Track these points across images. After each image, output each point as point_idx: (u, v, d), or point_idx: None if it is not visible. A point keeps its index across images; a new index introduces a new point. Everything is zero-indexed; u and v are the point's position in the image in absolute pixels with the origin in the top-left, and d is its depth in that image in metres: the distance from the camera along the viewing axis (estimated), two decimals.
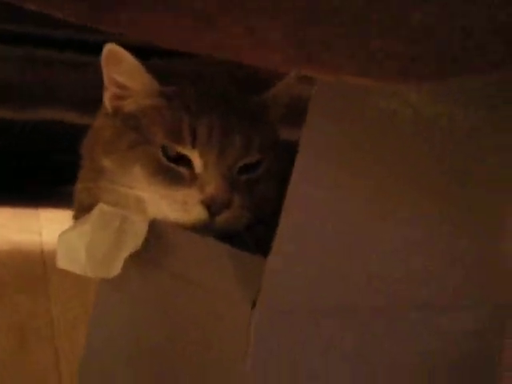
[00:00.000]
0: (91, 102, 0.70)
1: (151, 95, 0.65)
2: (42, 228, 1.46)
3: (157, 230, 0.61)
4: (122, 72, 0.64)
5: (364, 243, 0.52)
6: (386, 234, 0.53)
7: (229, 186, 0.62)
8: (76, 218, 0.71)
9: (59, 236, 0.63)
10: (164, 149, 0.63)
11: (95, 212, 0.63)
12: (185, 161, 0.63)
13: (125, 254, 0.61)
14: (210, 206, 0.61)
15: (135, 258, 0.61)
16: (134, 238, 0.62)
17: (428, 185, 0.52)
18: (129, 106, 0.66)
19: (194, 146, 0.62)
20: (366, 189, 0.51)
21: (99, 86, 0.67)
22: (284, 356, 0.52)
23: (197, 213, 0.61)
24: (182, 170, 0.63)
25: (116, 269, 0.61)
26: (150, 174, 0.63)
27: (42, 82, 1.30)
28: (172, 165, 0.63)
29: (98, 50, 0.64)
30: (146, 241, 0.61)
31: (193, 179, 0.63)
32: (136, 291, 0.64)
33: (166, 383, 0.60)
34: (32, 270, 1.22)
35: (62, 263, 0.63)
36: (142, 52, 0.64)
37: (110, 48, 0.62)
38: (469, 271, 0.56)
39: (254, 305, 0.51)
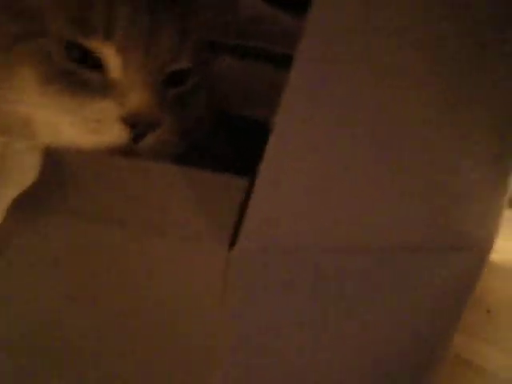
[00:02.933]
0: None
1: None
2: None
3: (59, 161, 0.42)
4: None
5: (354, 177, 0.39)
6: (376, 165, 0.40)
7: (158, 99, 0.44)
8: None
9: None
10: (64, 43, 0.44)
11: None
12: (95, 61, 0.44)
13: (7, 197, 0.42)
14: (133, 124, 0.43)
15: (26, 203, 0.42)
16: (21, 175, 0.43)
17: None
18: None
19: (108, 38, 0.44)
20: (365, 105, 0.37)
21: None
22: (266, 300, 0.40)
23: (115, 134, 0.43)
24: (92, 74, 0.44)
25: None
26: (44, 81, 0.44)
27: None
28: (76, 66, 0.44)
29: None
30: (42, 177, 0.42)
31: (108, 87, 0.44)
32: (30, 249, 0.45)
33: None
34: None
35: None
36: None
37: None
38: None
39: (231, 244, 0.35)
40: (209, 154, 0.47)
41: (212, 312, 0.38)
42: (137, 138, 0.44)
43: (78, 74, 0.44)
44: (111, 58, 0.44)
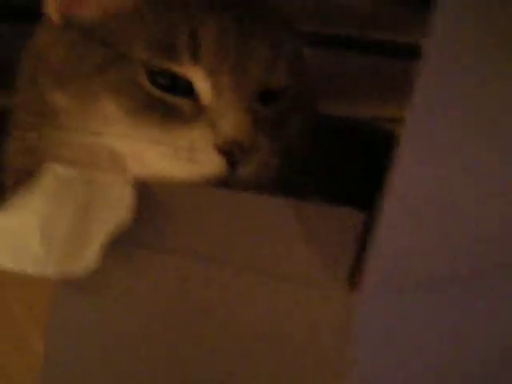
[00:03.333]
0: None
1: None
2: None
3: (151, 195, 0.40)
4: None
5: (480, 202, 0.36)
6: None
7: (253, 121, 0.41)
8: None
9: None
10: (149, 69, 0.41)
11: (46, 177, 0.41)
12: (183, 87, 0.41)
13: (101, 236, 0.40)
14: (228, 152, 0.40)
15: (120, 242, 0.40)
16: (114, 212, 0.40)
17: None
18: (89, 10, 0.43)
19: (196, 62, 0.41)
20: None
21: None
22: (393, 342, 0.37)
23: (210, 163, 0.40)
24: (180, 100, 0.41)
25: (90, 260, 0.40)
26: (130, 110, 0.41)
27: None
28: (164, 93, 0.41)
29: None
30: (137, 213, 0.39)
31: (198, 113, 0.41)
32: (124, 285, 0.42)
33: None
34: None
35: (2, 259, 0.40)
36: None
37: None
38: None
39: (351, 285, 0.33)
40: (312, 175, 0.44)
41: (333, 356, 0.35)
42: (234, 165, 0.41)
43: (165, 101, 0.41)
44: (200, 82, 0.41)
